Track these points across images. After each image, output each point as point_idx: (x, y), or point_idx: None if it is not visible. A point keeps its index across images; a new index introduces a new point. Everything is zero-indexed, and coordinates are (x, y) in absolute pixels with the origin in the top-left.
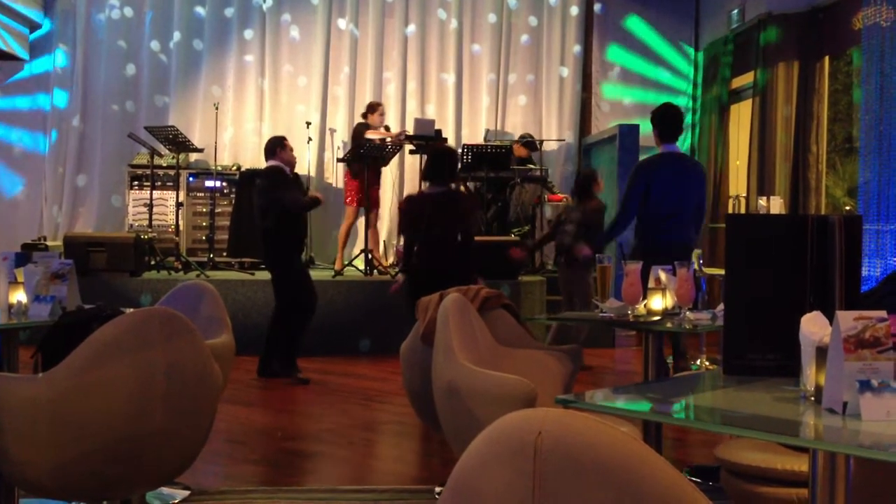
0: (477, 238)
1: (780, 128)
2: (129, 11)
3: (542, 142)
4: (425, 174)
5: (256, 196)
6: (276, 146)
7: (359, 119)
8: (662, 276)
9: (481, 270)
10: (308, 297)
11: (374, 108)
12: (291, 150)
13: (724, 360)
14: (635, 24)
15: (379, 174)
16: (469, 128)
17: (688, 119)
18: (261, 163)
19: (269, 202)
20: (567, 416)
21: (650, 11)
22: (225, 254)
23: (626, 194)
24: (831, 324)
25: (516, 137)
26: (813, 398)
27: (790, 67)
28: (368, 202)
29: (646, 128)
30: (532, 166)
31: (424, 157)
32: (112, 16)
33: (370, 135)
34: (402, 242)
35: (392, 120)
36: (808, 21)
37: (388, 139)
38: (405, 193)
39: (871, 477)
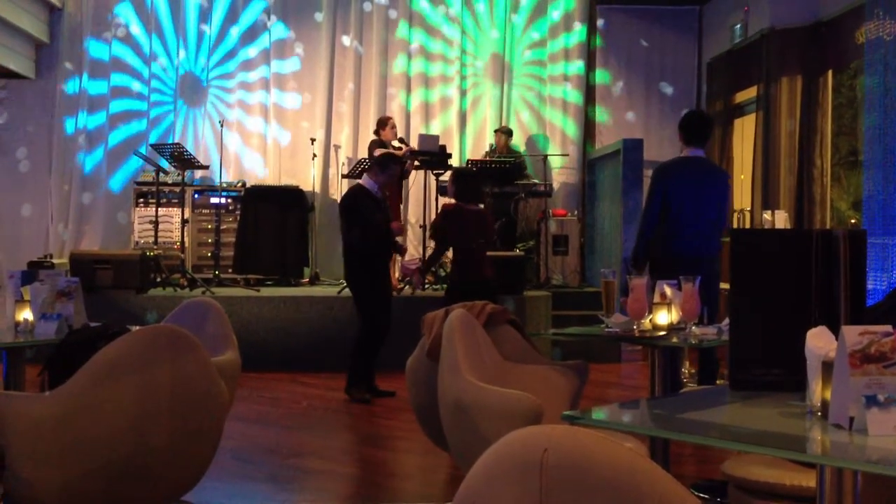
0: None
1: (784, 142)
2: (134, 30)
3: (546, 156)
4: (463, 196)
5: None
6: (376, 164)
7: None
8: (668, 290)
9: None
10: (379, 319)
11: (384, 123)
12: (392, 172)
13: (730, 375)
14: (638, 40)
15: (400, 188)
16: (473, 143)
17: None
18: (265, 179)
19: (345, 229)
20: (573, 432)
21: (653, 26)
22: (230, 270)
23: (646, 199)
24: (837, 338)
25: (498, 127)
26: (819, 413)
27: (793, 81)
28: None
29: (649, 143)
30: (536, 181)
31: (430, 172)
32: (118, 34)
33: (379, 152)
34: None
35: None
36: (811, 35)
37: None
38: (410, 207)
39: (879, 492)
